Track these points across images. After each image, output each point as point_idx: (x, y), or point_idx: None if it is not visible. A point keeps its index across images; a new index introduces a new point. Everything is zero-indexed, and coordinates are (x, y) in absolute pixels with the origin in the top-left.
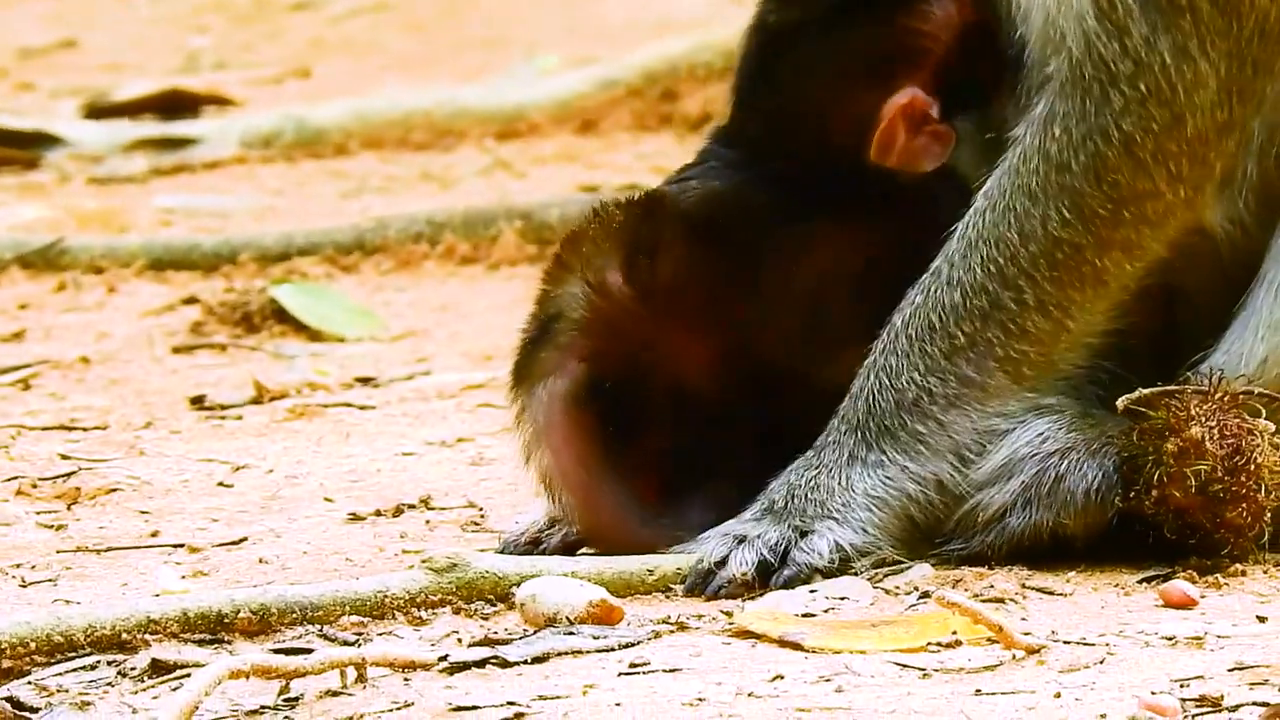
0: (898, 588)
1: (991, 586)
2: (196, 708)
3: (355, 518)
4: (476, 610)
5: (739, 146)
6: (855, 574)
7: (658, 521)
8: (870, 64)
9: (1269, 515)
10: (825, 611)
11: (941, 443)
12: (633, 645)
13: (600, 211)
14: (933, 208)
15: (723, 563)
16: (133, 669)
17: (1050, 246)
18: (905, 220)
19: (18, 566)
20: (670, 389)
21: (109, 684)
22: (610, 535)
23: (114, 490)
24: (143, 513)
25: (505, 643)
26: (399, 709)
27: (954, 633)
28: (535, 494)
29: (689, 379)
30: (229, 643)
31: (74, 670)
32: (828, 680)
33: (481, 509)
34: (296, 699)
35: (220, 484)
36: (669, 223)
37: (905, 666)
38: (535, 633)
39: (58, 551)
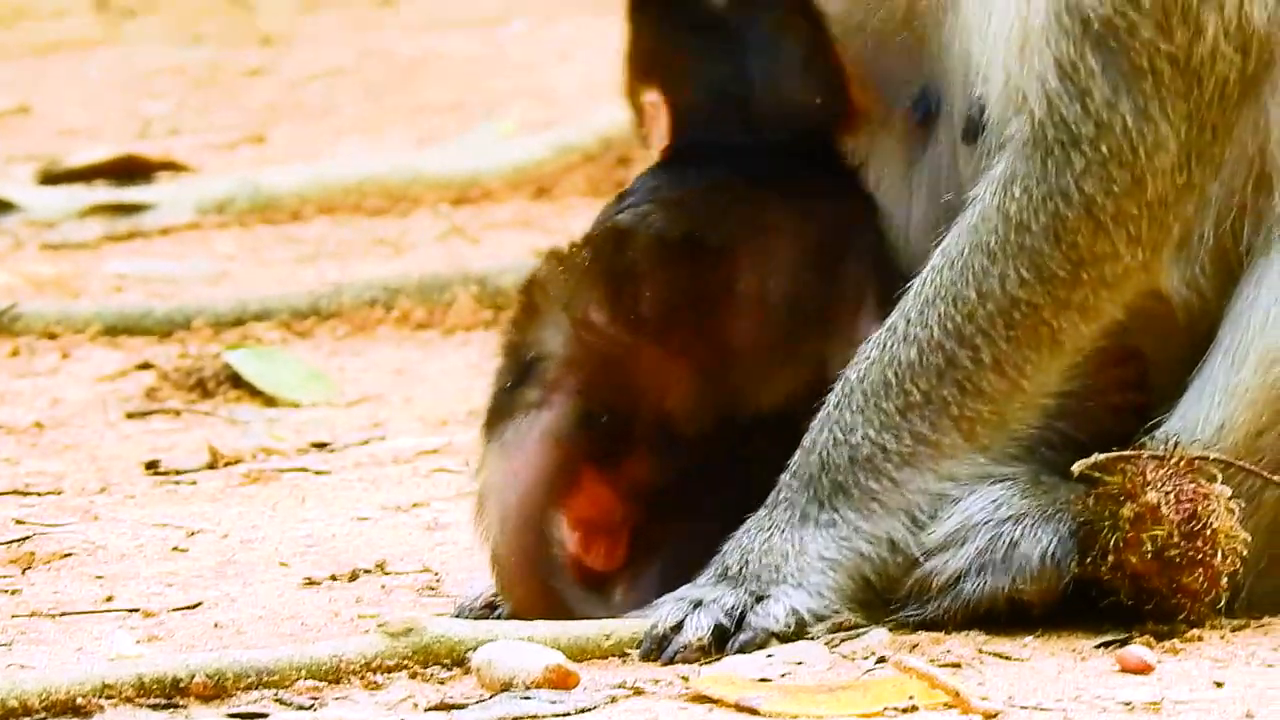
0: (854, 652)
1: (948, 651)
2: None
3: (311, 582)
4: (432, 675)
5: (677, 162)
6: (812, 638)
7: (569, 584)
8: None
9: (1225, 580)
10: (782, 676)
11: (895, 501)
12: (589, 710)
13: (559, 254)
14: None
15: (678, 627)
16: None
17: (1008, 306)
18: (843, 196)
19: None
20: (654, 423)
21: None
22: (515, 575)
23: (69, 555)
24: (97, 577)
25: (461, 707)
26: None
27: (911, 698)
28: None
29: (673, 412)
30: (184, 707)
31: None
32: None
33: (437, 574)
34: None
35: (175, 549)
36: (643, 249)
37: None
38: (491, 697)
39: (13, 616)
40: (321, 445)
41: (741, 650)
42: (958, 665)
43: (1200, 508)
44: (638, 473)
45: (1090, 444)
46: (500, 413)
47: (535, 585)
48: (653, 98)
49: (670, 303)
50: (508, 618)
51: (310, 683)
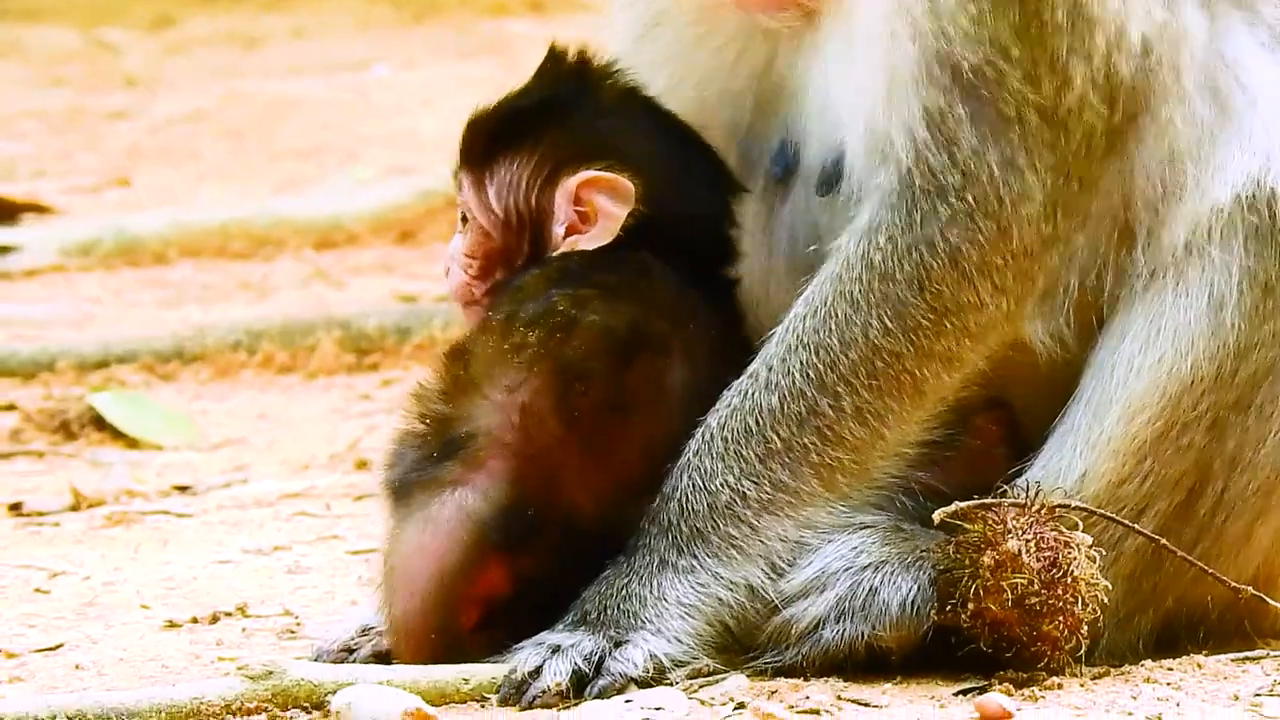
0: (713, 698)
1: (807, 698)
2: None
3: (172, 625)
4: (292, 718)
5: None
6: (671, 684)
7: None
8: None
9: (1085, 628)
10: None
11: (754, 548)
12: None
13: (501, 329)
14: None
15: (537, 672)
16: None
17: (870, 354)
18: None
19: None
20: (563, 516)
21: None
22: (419, 647)
23: None
24: None
25: None
26: None
27: None
28: (355, 600)
29: (585, 507)
30: None
31: None
32: None
33: (297, 617)
34: None
35: (37, 590)
36: (593, 342)
37: None
38: None
39: None
40: (184, 488)
41: (600, 695)
42: (816, 712)
43: (1061, 555)
44: (533, 561)
45: (954, 493)
46: (419, 484)
47: (437, 657)
48: (593, 178)
49: (612, 403)
50: (361, 659)
51: None
